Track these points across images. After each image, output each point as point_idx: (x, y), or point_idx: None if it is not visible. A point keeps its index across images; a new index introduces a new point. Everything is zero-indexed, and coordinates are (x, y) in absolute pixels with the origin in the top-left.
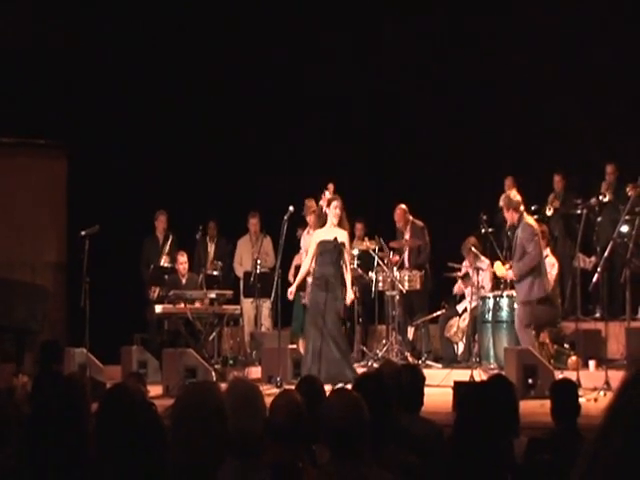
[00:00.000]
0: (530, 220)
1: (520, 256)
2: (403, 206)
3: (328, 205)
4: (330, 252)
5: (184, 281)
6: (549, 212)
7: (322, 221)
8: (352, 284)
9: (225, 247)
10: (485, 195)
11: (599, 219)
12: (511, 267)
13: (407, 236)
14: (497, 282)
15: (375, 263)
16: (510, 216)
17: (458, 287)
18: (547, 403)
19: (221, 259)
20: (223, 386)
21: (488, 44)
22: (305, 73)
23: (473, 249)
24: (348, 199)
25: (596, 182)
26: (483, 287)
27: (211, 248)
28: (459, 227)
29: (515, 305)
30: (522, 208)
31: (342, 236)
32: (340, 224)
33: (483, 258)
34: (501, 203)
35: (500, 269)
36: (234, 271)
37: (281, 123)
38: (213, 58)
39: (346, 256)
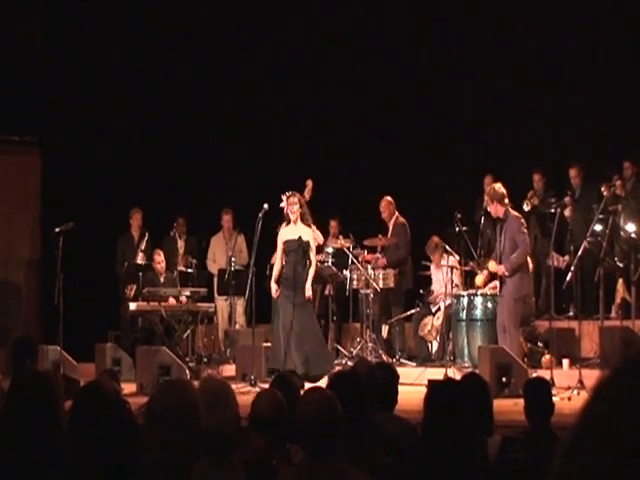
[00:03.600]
0: (517, 214)
1: (511, 250)
2: (389, 198)
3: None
4: (295, 251)
5: (162, 279)
6: (526, 207)
7: (287, 219)
8: (325, 281)
9: (195, 244)
10: (460, 194)
11: (566, 213)
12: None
13: (389, 231)
14: (470, 280)
15: (350, 261)
16: (495, 209)
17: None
18: (521, 402)
19: (191, 256)
20: (197, 384)
21: (467, 42)
22: (277, 70)
23: (447, 247)
24: (322, 196)
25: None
26: (457, 285)
27: (181, 244)
28: (434, 226)
29: (490, 303)
30: (507, 201)
31: (306, 234)
32: (303, 221)
33: (455, 256)
34: (486, 196)
35: (493, 266)
36: (207, 268)
37: (255, 121)
38: (181, 56)
39: (311, 254)
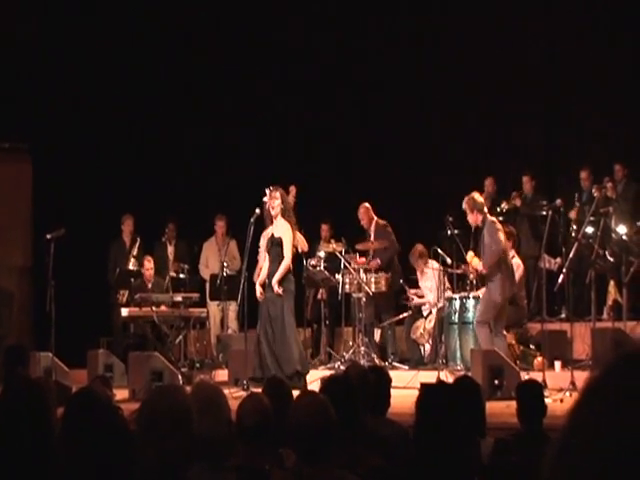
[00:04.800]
0: (493, 218)
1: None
2: (366, 204)
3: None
4: (270, 249)
5: (150, 285)
6: (503, 207)
7: (269, 220)
8: (317, 285)
9: (185, 249)
10: (452, 196)
11: (572, 215)
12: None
13: (372, 236)
14: (463, 282)
15: (342, 265)
16: (474, 218)
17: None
18: (513, 404)
19: (181, 261)
20: (189, 389)
21: (460, 45)
22: (272, 72)
23: (438, 249)
24: (314, 200)
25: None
26: (450, 288)
27: (170, 250)
28: (426, 228)
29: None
30: (485, 209)
31: (280, 230)
32: (283, 217)
33: (430, 264)
34: (464, 205)
35: (476, 261)
36: (200, 274)
37: (246, 126)
38: (173, 59)
39: (285, 249)
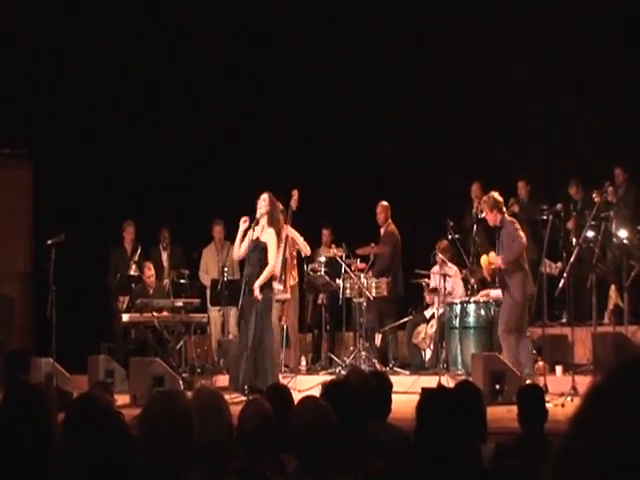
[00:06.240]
0: (512, 218)
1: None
2: (385, 203)
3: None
4: (252, 252)
5: (151, 291)
6: None
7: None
8: (318, 290)
9: (180, 256)
10: (451, 201)
11: (569, 226)
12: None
13: (382, 237)
14: (466, 287)
15: (342, 270)
16: (494, 217)
17: (429, 297)
18: (514, 409)
19: (176, 268)
20: (190, 394)
21: (455, 48)
22: (272, 77)
23: (440, 255)
24: (314, 205)
25: (562, 189)
26: (450, 293)
27: (165, 257)
28: (426, 233)
29: (483, 310)
30: (504, 209)
31: (265, 236)
32: (270, 223)
33: (450, 265)
34: (483, 204)
35: (493, 256)
36: (200, 279)
37: (246, 126)
38: (173, 66)
39: (269, 255)
